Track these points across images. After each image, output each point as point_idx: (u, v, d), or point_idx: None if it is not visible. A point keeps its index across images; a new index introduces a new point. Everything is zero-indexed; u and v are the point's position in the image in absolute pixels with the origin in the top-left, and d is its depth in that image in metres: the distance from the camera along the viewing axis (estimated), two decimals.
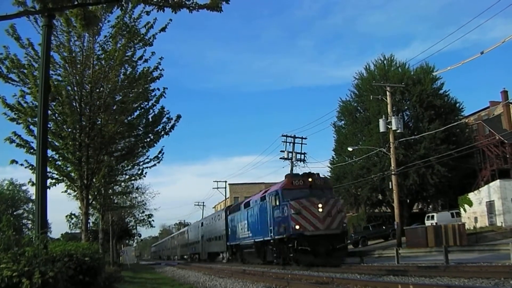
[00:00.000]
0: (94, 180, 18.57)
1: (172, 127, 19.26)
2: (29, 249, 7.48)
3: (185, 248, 71.63)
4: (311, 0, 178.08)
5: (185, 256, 73.43)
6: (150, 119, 19.19)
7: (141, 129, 19.29)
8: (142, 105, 18.83)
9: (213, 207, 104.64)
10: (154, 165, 20.99)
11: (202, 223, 58.42)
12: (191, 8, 8.39)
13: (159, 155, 20.65)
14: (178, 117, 19.36)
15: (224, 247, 43.55)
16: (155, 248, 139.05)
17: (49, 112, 14.62)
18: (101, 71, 16.92)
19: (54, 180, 17.99)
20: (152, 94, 18.87)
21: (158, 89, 18.78)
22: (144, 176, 21.95)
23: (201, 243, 56.09)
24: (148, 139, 19.49)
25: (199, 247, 57.35)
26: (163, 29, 16.73)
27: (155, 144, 19.77)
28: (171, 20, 16.62)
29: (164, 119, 19.27)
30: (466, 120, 54.86)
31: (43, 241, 8.34)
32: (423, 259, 24.96)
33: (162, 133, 19.25)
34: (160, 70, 18.25)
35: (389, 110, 37.24)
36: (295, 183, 27.76)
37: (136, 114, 18.96)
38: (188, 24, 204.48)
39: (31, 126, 16.22)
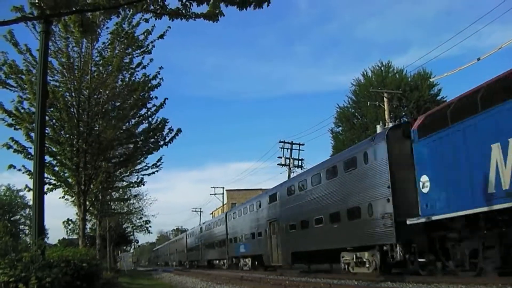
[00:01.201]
0: (91, 186, 18.55)
1: (172, 139, 19.11)
2: (26, 254, 7.49)
3: (226, 249, 44.02)
4: (308, 6, 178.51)
5: (225, 264, 47.27)
6: (149, 127, 19.09)
7: (140, 136, 19.23)
8: (140, 112, 18.79)
9: (210, 213, 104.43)
10: (153, 173, 21.00)
11: (294, 186, 29.18)
12: (187, 16, 8.48)
13: (157, 163, 20.63)
14: (178, 130, 19.22)
15: None
16: (156, 252, 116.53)
17: (47, 118, 14.64)
18: (99, 77, 16.94)
19: (51, 186, 18.00)
20: (151, 103, 18.83)
21: (157, 97, 18.75)
22: (143, 184, 21.91)
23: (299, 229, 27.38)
24: (147, 147, 19.43)
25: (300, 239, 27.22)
26: (161, 36, 16.78)
27: (153, 152, 19.72)
28: (169, 27, 16.69)
29: (166, 130, 19.16)
30: None
31: (40, 247, 8.35)
32: None
33: (162, 143, 19.15)
34: (159, 79, 18.25)
35: (386, 116, 37.30)
36: None
37: (134, 121, 18.93)
38: (185, 31, 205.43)
39: (30, 133, 16.22)
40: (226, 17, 8.51)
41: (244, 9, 8.02)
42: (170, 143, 19.09)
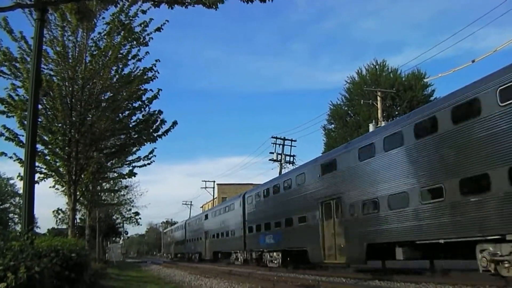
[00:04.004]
0: (82, 176, 18.46)
1: (167, 131, 18.94)
2: (16, 243, 7.44)
3: None
4: (306, 4, 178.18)
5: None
6: (144, 119, 18.91)
7: (134, 127, 19.07)
8: (133, 104, 18.63)
9: (200, 207, 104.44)
10: (145, 165, 20.77)
11: None
12: (187, 4, 8.38)
13: (149, 155, 20.38)
14: (174, 123, 19.06)
15: None
16: (176, 232, 75.14)
17: (40, 106, 14.55)
18: (93, 67, 16.82)
19: (42, 175, 17.89)
20: (146, 95, 18.65)
21: (151, 90, 18.57)
22: (134, 176, 21.73)
23: None
24: (141, 139, 19.22)
25: None
26: (158, 29, 16.66)
27: (146, 144, 19.52)
28: (167, 21, 16.60)
29: (158, 122, 18.93)
30: None
31: (30, 236, 8.30)
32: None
33: (156, 135, 18.96)
34: (155, 71, 18.10)
35: (379, 115, 37.38)
36: None
37: (128, 112, 18.77)
38: (182, 23, 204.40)
39: (24, 120, 16.11)
40: (224, 11, 8.46)
41: (250, 2, 7.93)
42: (165, 135, 18.94)
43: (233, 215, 39.48)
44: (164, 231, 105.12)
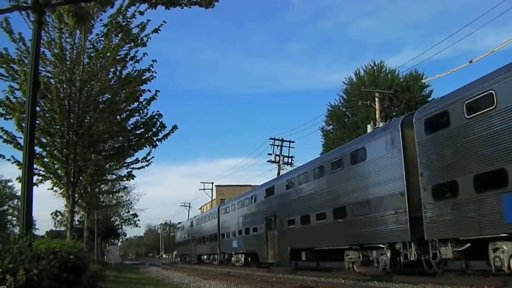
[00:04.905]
0: (81, 178, 18.41)
1: (166, 136, 18.84)
2: (14, 246, 7.44)
3: None
4: (303, 4, 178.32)
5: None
6: (142, 121, 18.82)
7: (133, 130, 18.99)
8: (131, 106, 18.57)
9: (199, 208, 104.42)
10: (143, 167, 20.66)
11: None
12: (183, 4, 8.41)
13: (147, 157, 20.27)
14: (174, 127, 18.95)
15: None
16: (200, 225, 55.54)
17: (38, 108, 14.52)
18: (91, 69, 16.79)
19: (40, 177, 17.87)
20: (143, 97, 18.59)
21: (149, 90, 18.49)
22: (133, 178, 21.63)
23: None
24: (140, 143, 19.11)
25: None
26: (155, 30, 16.65)
27: (143, 147, 19.42)
28: (164, 21, 16.62)
29: (158, 124, 18.81)
30: None
31: (29, 239, 8.29)
32: None
33: (155, 138, 18.86)
34: (152, 72, 18.06)
35: (377, 116, 37.40)
36: None
37: (125, 114, 18.71)
38: (180, 25, 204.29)
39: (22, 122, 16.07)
40: (221, 12, 8.49)
41: None
42: (165, 139, 18.84)
43: (358, 175, 20.36)
44: (177, 225, 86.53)
